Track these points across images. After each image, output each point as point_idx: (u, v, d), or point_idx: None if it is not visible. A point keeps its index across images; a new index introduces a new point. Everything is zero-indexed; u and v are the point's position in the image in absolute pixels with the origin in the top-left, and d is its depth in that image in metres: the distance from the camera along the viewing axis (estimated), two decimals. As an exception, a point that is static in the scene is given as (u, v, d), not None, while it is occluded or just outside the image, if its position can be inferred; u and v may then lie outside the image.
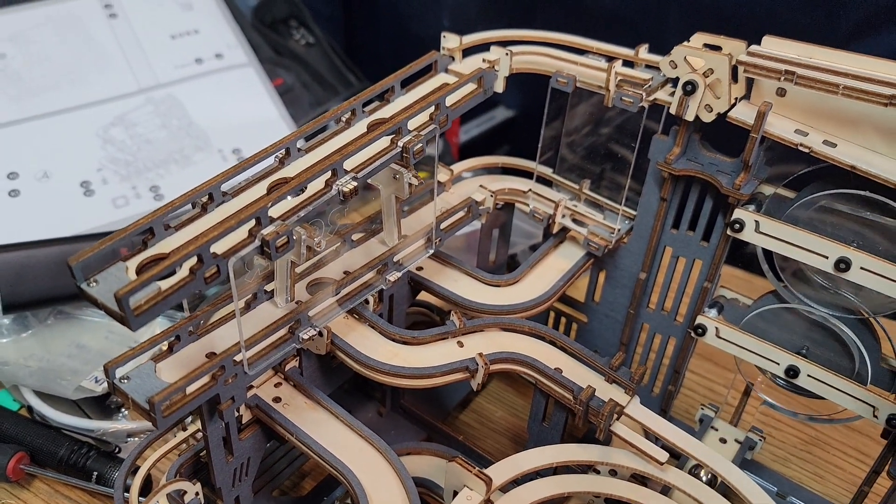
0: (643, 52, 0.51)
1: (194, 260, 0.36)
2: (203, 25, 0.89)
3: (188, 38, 0.88)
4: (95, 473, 0.57)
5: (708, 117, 0.47)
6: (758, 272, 0.52)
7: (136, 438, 0.61)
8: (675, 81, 0.47)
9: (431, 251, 0.53)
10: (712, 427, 0.57)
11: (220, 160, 0.80)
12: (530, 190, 0.59)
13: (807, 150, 0.45)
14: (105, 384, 0.62)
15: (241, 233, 0.38)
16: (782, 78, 0.44)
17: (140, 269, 0.36)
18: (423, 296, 0.57)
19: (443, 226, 0.54)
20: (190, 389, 0.40)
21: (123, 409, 0.63)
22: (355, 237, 0.53)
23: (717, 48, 0.46)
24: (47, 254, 0.66)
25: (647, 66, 0.51)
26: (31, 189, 0.75)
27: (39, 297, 0.66)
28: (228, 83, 0.86)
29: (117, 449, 0.60)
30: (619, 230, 0.56)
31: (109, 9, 0.87)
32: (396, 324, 0.55)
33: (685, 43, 0.46)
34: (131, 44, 0.86)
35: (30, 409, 0.63)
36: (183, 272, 0.36)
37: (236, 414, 0.45)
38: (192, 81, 0.85)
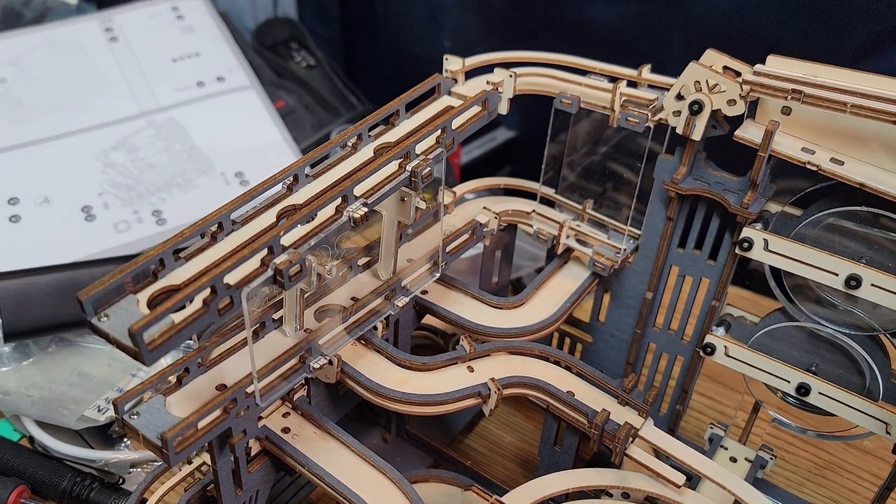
0: (646, 73, 0.51)
1: (207, 291, 0.35)
2: (204, 48, 0.89)
3: (189, 62, 0.88)
4: (98, 507, 0.56)
5: (733, 111, 0.47)
6: (760, 290, 0.52)
7: (140, 469, 0.60)
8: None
9: (438, 275, 0.53)
10: (722, 446, 0.57)
11: (222, 183, 0.80)
12: (534, 211, 0.59)
13: (815, 168, 0.45)
14: (108, 413, 0.61)
15: (254, 262, 0.37)
16: (789, 97, 0.44)
17: (151, 302, 0.36)
18: (427, 319, 0.57)
19: (448, 249, 0.54)
20: (202, 424, 0.39)
21: (126, 439, 0.62)
22: (360, 262, 0.53)
23: (738, 73, 0.46)
24: (48, 280, 0.65)
25: (651, 86, 0.51)
26: (32, 214, 0.74)
27: (41, 324, 0.65)
28: (230, 106, 0.86)
29: (121, 480, 0.59)
30: (624, 250, 0.56)
31: (110, 32, 0.87)
32: (402, 348, 0.54)
33: (702, 62, 0.46)
34: (132, 67, 0.86)
35: (31, 439, 0.62)
36: (196, 304, 0.36)
37: (246, 446, 0.44)
38: (193, 104, 0.85)
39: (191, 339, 0.44)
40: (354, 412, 0.62)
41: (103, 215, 0.75)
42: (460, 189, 0.61)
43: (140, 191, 0.77)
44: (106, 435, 0.62)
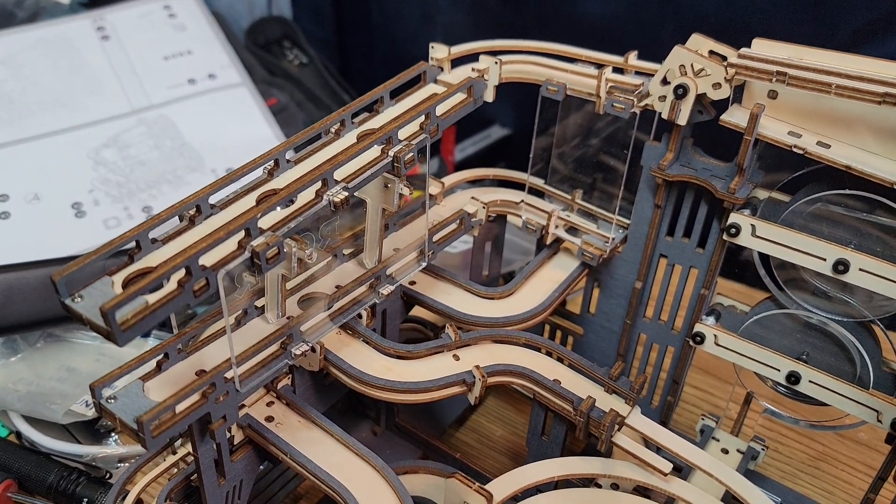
0: (633, 59, 0.51)
1: (182, 272, 0.35)
2: (196, 46, 0.89)
3: (181, 59, 0.87)
4: (86, 500, 0.55)
5: (718, 94, 0.46)
6: (754, 283, 0.52)
7: (128, 464, 0.60)
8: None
9: (424, 264, 0.52)
10: (713, 437, 0.56)
11: (213, 180, 0.79)
12: (522, 201, 0.59)
13: (801, 152, 0.44)
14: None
15: (231, 244, 0.37)
16: (774, 79, 0.43)
17: (126, 283, 0.35)
18: (417, 311, 0.56)
19: (435, 238, 0.53)
20: (179, 408, 0.38)
21: (114, 434, 0.61)
22: (346, 251, 0.52)
23: (723, 57, 0.45)
24: (37, 275, 0.65)
25: (637, 73, 0.51)
26: (22, 211, 0.74)
27: (29, 319, 0.64)
28: (222, 103, 0.86)
29: (108, 475, 0.59)
30: (613, 239, 0.55)
31: (102, 31, 0.87)
32: (390, 339, 0.54)
33: (687, 46, 0.46)
34: (124, 65, 0.86)
35: (18, 434, 0.61)
36: (171, 285, 0.35)
37: (228, 434, 0.44)
38: (185, 102, 0.85)
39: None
40: (343, 405, 0.61)
41: (93, 212, 0.75)
42: (449, 180, 0.60)
43: (130, 188, 0.77)
44: (94, 430, 0.62)
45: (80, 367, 0.65)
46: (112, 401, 0.38)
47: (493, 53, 0.53)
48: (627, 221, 0.55)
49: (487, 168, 0.62)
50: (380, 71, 1.10)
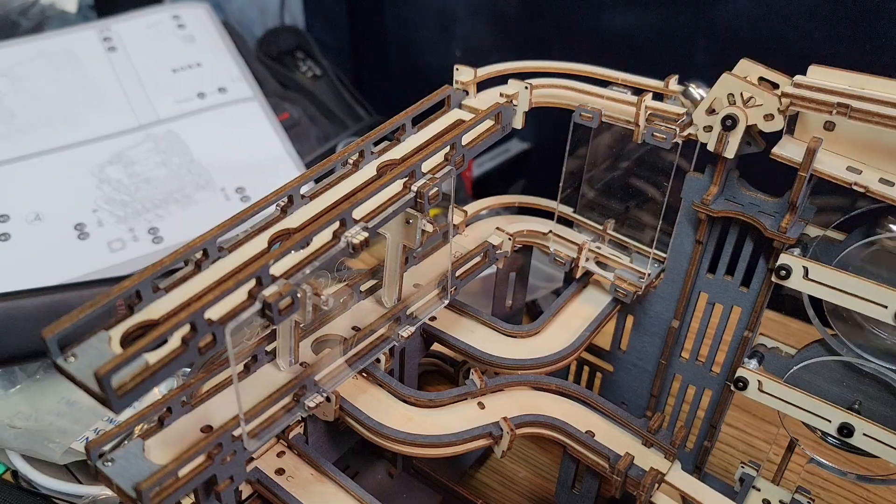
0: (673, 84, 0.47)
1: (186, 328, 0.32)
2: (206, 58, 0.86)
3: (190, 72, 0.84)
4: (82, 548, 0.52)
5: (770, 126, 0.42)
6: (792, 313, 0.48)
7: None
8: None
9: (447, 301, 0.49)
10: (754, 487, 0.52)
11: (222, 199, 0.76)
12: (551, 231, 0.55)
13: (862, 190, 0.41)
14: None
15: (240, 294, 0.33)
16: (834, 111, 0.40)
17: (125, 339, 0.32)
18: (435, 346, 0.53)
19: (458, 273, 0.50)
20: (183, 472, 0.35)
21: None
22: (363, 287, 0.49)
23: (775, 85, 0.42)
24: (37, 304, 0.62)
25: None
26: (22, 232, 0.71)
27: (28, 349, 0.61)
28: (232, 118, 0.82)
29: (107, 518, 0.56)
30: (648, 275, 0.51)
31: (108, 42, 0.83)
32: (408, 379, 0.50)
33: (735, 73, 0.42)
34: (130, 78, 0.82)
35: (14, 473, 0.58)
36: (174, 342, 0.32)
37: (235, 490, 0.41)
38: (193, 117, 0.81)
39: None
40: (358, 445, 0.58)
41: (97, 233, 0.72)
42: (472, 207, 0.57)
43: (136, 207, 0.74)
44: (95, 469, 0.58)
45: (80, 400, 0.62)
46: (109, 463, 0.35)
47: (522, 76, 0.49)
48: (664, 255, 0.51)
49: (513, 195, 0.59)
50: (395, 81, 1.06)
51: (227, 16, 1.08)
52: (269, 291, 0.33)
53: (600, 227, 0.54)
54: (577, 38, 0.85)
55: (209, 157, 0.78)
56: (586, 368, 0.60)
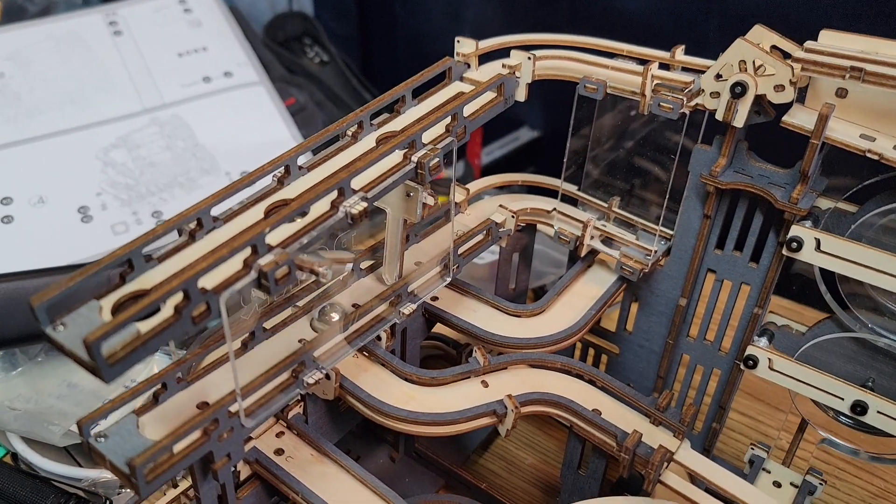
0: (680, 54, 0.46)
1: (180, 296, 0.31)
2: (212, 43, 0.85)
3: (196, 56, 0.83)
4: (81, 531, 0.51)
5: (780, 97, 0.41)
6: (804, 300, 0.47)
7: (129, 490, 0.56)
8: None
9: (449, 279, 0.48)
10: (764, 469, 0.51)
11: (227, 183, 0.75)
12: (554, 209, 0.54)
13: (876, 157, 0.39)
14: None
15: (235, 263, 0.32)
16: (848, 75, 0.39)
17: (116, 309, 0.31)
18: (438, 328, 0.52)
19: (460, 251, 0.49)
20: (178, 448, 0.34)
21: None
22: (363, 265, 0.48)
23: (787, 55, 0.40)
24: (38, 285, 0.61)
25: (685, 69, 0.46)
26: (26, 215, 0.70)
27: (30, 332, 0.61)
28: (238, 102, 0.81)
29: (108, 501, 0.55)
30: (655, 252, 0.50)
31: (114, 26, 0.83)
32: (410, 360, 0.49)
33: (748, 38, 0.41)
34: (136, 62, 0.82)
35: (14, 456, 0.58)
36: (166, 311, 0.31)
37: (233, 470, 0.40)
38: (199, 101, 0.81)
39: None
40: (359, 429, 0.57)
41: (101, 216, 0.71)
42: (474, 186, 0.56)
43: (140, 191, 0.73)
44: (87, 445, 0.58)
45: (81, 382, 0.61)
46: (102, 439, 0.34)
47: (525, 48, 0.48)
48: (671, 232, 0.50)
49: (516, 173, 0.58)
50: (404, 69, 1.05)
51: (236, 2, 1.08)
52: (264, 260, 0.33)
53: (605, 205, 0.53)
54: (588, 21, 0.83)
55: (214, 141, 0.78)
56: (591, 350, 0.59)
